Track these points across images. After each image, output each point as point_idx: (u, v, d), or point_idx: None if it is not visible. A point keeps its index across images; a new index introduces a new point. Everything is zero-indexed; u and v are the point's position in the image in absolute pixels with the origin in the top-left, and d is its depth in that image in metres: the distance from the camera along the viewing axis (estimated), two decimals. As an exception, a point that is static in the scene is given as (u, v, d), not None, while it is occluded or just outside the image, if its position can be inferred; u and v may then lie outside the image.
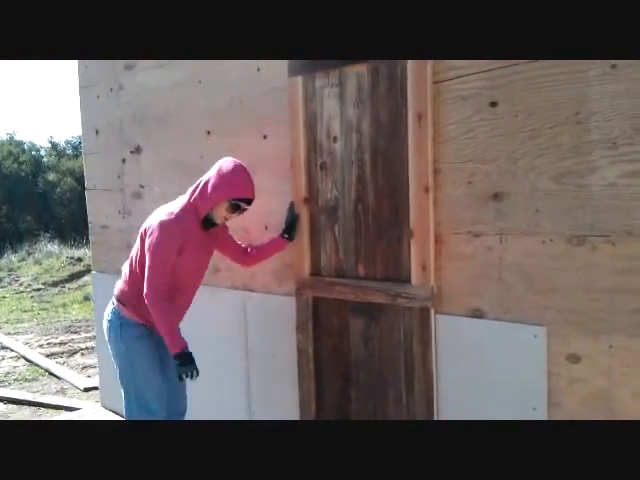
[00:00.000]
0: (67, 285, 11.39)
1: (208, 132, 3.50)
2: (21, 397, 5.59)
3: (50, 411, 5.16)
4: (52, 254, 13.25)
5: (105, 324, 3.02)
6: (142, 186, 4.00)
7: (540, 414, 2.36)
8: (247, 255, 3.13)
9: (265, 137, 3.21)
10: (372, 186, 2.79)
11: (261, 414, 3.44)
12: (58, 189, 21.75)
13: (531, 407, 2.38)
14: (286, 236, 3.05)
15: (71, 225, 15.43)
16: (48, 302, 10.27)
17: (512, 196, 2.38)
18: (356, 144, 2.83)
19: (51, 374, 6.37)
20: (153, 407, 2.89)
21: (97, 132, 4.34)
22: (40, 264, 12.79)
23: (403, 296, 2.69)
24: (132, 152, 4.05)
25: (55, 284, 11.50)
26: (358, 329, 2.93)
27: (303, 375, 3.14)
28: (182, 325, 2.85)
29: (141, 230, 2.89)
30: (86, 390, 5.75)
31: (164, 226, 2.75)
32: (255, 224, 3.30)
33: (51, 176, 22.68)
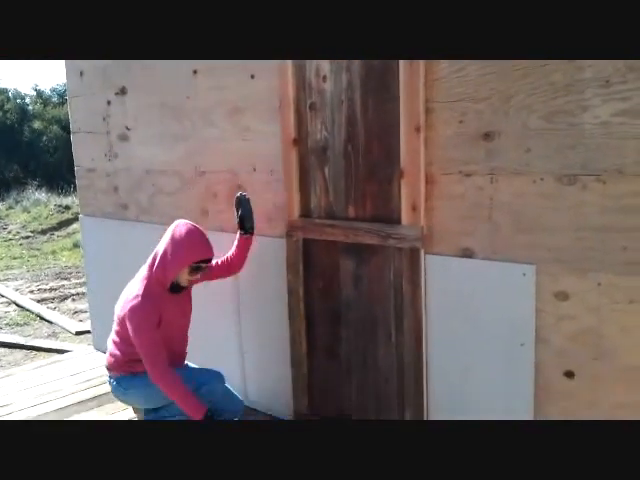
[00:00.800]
0: (56, 233, 11.34)
1: (194, 72, 3.42)
2: (13, 341, 5.64)
3: (42, 354, 5.21)
4: (40, 202, 13.14)
5: (117, 395, 3.14)
6: (128, 128, 3.93)
7: (528, 349, 2.40)
8: (230, 264, 3.18)
9: (253, 77, 3.14)
10: (362, 126, 2.75)
11: (252, 355, 3.48)
12: (44, 137, 21.43)
13: (519, 343, 2.42)
14: (243, 232, 3.10)
15: (58, 173, 15.25)
16: (37, 249, 10.25)
17: (503, 135, 2.36)
18: (346, 83, 2.77)
19: (42, 319, 6.42)
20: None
21: (81, 74, 4.23)
22: (28, 212, 12.69)
23: (393, 237, 2.68)
24: (117, 94, 3.96)
25: (44, 232, 11.44)
26: (348, 270, 2.94)
27: (294, 315, 3.16)
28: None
29: (117, 314, 2.99)
30: (78, 334, 5.81)
31: (135, 311, 2.83)
32: (244, 166, 3.27)
33: (37, 124, 22.31)
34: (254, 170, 3.23)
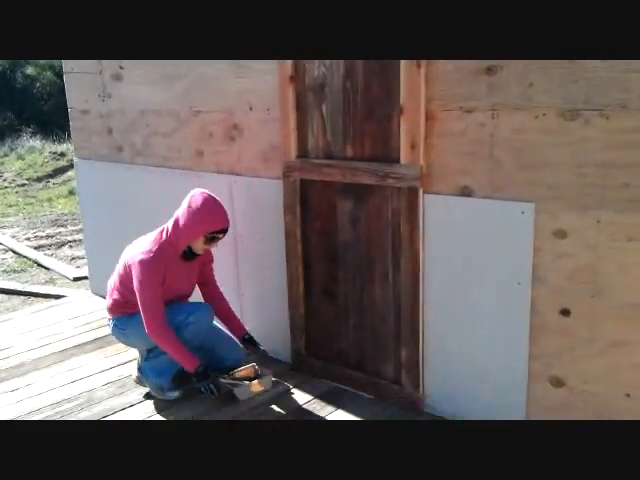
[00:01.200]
0: (51, 180, 11.25)
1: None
2: (11, 287, 5.65)
3: (40, 300, 5.22)
4: (35, 149, 12.98)
5: (116, 336, 3.20)
6: (122, 67, 3.84)
7: (524, 288, 2.40)
8: (207, 296, 3.24)
9: (249, 12, 3.05)
10: (361, 62, 2.68)
11: (250, 298, 3.48)
12: (38, 84, 21.02)
13: (516, 282, 2.42)
14: (247, 337, 3.21)
15: (52, 120, 15.00)
16: (33, 197, 10.18)
17: (505, 69, 2.30)
18: (345, 17, 2.69)
19: (40, 265, 6.41)
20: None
21: (72, 11, 4.11)
22: (23, 159, 12.55)
23: (392, 176, 2.65)
24: (110, 32, 3.85)
25: (39, 179, 11.35)
26: (346, 211, 2.92)
27: (291, 257, 3.16)
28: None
29: (124, 259, 3.03)
30: (76, 279, 5.81)
31: (144, 266, 2.86)
32: (240, 105, 3.21)
33: (29, 70, 21.84)
34: (250, 109, 3.17)
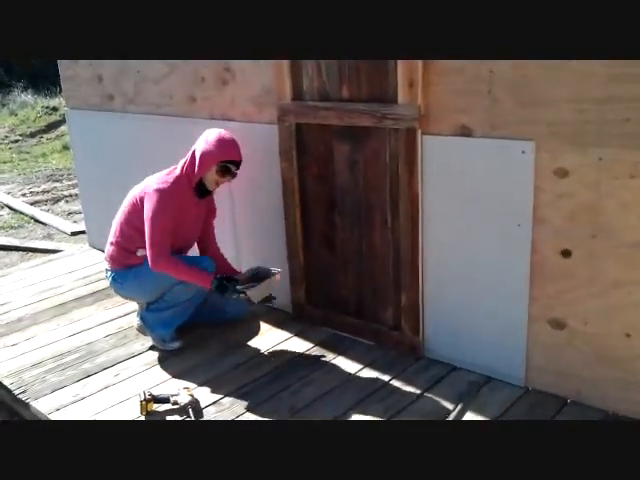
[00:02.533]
0: (45, 135, 11.09)
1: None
2: (9, 243, 5.62)
3: (39, 255, 5.20)
4: (27, 104, 12.77)
5: (115, 289, 3.17)
6: (109, 13, 3.72)
7: (525, 229, 2.36)
8: (207, 249, 3.22)
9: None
10: None
11: (248, 248, 3.45)
12: (26, 37, 20.56)
13: (516, 223, 2.38)
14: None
15: (43, 74, 14.72)
16: (27, 153, 10.05)
17: (506, 2, 2.21)
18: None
19: (37, 221, 6.37)
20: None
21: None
22: (15, 115, 12.36)
23: (389, 117, 2.58)
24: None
25: (33, 135, 11.19)
26: (343, 155, 2.86)
27: (288, 205, 3.11)
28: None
29: (133, 194, 2.98)
30: (73, 234, 5.78)
31: (160, 194, 2.84)
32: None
33: (17, 23, 21.32)
34: (242, 52, 3.07)
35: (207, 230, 3.21)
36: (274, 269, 3.05)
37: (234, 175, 2.96)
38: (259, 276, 3.03)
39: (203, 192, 2.98)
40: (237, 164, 2.93)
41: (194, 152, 2.91)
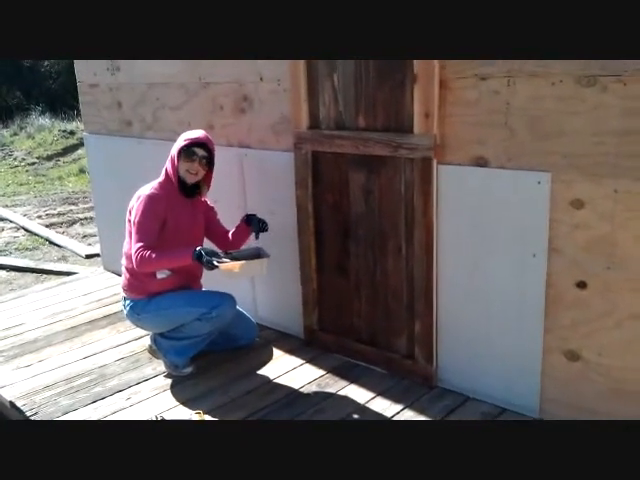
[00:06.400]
0: (61, 159, 11.24)
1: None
2: (24, 265, 5.67)
3: (53, 277, 5.24)
4: (44, 127, 12.97)
5: (131, 320, 3.16)
6: (130, 41, 3.80)
7: (540, 260, 2.36)
8: (228, 240, 3.16)
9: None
10: (373, 31, 2.63)
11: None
12: (46, 62, 20.97)
13: (531, 254, 2.38)
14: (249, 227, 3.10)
15: (61, 98, 14.98)
16: (44, 175, 10.19)
17: (522, 36, 2.24)
18: (356, -16, 2.63)
19: (51, 243, 6.43)
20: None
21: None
22: (33, 138, 12.55)
23: (405, 147, 2.61)
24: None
25: (49, 158, 11.35)
26: (358, 183, 2.88)
27: (303, 231, 3.13)
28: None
29: (128, 210, 3.00)
30: (88, 257, 5.83)
31: (146, 198, 2.90)
32: (249, 76, 3.16)
33: (37, 48, 21.73)
34: (260, 80, 3.12)
35: (216, 228, 3.20)
36: (266, 253, 2.98)
37: (207, 160, 2.94)
38: (249, 255, 2.98)
39: (187, 190, 2.99)
40: (201, 145, 2.91)
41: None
